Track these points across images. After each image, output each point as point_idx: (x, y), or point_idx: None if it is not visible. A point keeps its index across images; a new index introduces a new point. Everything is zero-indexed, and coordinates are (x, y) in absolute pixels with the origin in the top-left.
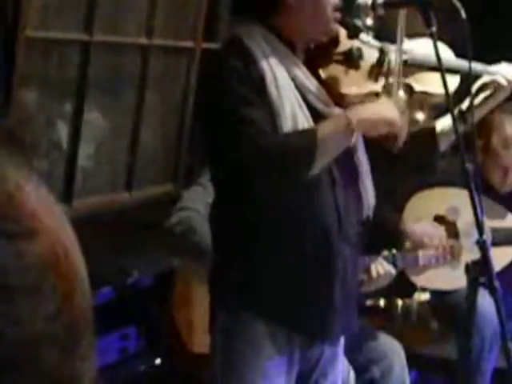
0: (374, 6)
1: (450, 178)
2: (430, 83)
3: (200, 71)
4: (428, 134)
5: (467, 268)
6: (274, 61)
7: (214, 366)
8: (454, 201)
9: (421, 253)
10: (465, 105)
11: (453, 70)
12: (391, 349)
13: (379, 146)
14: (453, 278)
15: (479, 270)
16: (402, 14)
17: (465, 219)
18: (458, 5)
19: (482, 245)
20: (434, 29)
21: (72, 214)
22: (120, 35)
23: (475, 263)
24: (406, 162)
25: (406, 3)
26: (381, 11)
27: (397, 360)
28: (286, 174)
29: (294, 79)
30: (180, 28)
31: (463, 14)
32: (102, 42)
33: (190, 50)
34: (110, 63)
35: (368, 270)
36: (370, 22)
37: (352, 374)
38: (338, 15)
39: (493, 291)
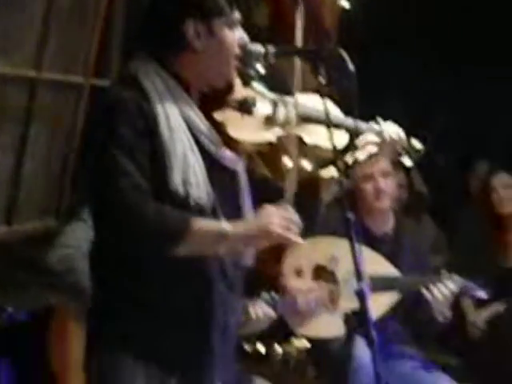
0: (266, 54)
1: (329, 228)
2: (319, 137)
3: (88, 108)
4: (313, 184)
5: (346, 318)
6: (167, 100)
7: None
8: (334, 250)
9: (300, 297)
10: (350, 159)
11: (341, 126)
12: None
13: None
14: (331, 326)
15: (357, 320)
16: (297, 66)
17: (344, 268)
18: (346, 57)
19: (360, 294)
20: (322, 80)
21: None
22: (7, 66)
23: (354, 313)
24: None
25: (296, 53)
26: (272, 60)
27: None
28: (147, 242)
29: (186, 120)
30: (70, 63)
31: (351, 67)
32: None
33: (79, 86)
34: None
35: (246, 312)
36: (261, 70)
37: None
38: (236, 63)
39: (370, 342)
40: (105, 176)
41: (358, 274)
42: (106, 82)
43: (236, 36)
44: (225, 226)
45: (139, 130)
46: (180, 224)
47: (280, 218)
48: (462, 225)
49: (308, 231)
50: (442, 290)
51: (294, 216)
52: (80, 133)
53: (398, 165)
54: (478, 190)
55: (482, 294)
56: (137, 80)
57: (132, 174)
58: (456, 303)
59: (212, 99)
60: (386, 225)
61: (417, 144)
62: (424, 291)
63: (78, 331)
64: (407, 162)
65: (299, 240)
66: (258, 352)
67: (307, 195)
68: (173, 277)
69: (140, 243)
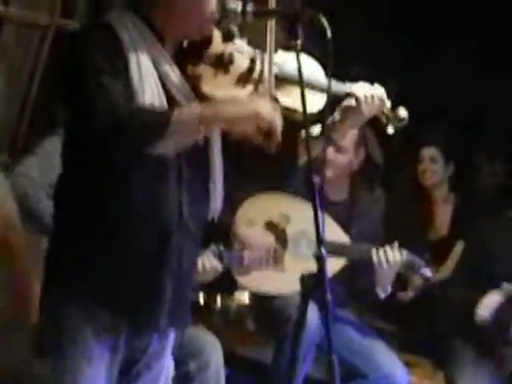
0: (243, 12)
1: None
2: (295, 99)
3: (52, 47)
4: (290, 146)
5: (302, 279)
6: (140, 48)
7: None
8: (287, 208)
9: (246, 252)
10: (329, 121)
11: (318, 88)
12: (210, 345)
13: (252, 147)
14: (275, 283)
15: (313, 283)
16: (271, 23)
17: (295, 228)
18: (325, 23)
19: (319, 258)
20: (298, 42)
21: None
22: None
23: (311, 275)
24: (265, 170)
25: (275, 13)
26: (250, 18)
27: (214, 356)
28: (133, 140)
29: (157, 69)
30: (38, 1)
31: (329, 33)
32: None
33: (44, 26)
34: None
35: None
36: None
37: (171, 368)
38: (215, 17)
39: (324, 305)
40: (81, 94)
41: (319, 239)
42: (71, 23)
43: None
44: (208, 107)
45: (113, 64)
46: (161, 118)
47: (269, 106)
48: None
49: (278, 188)
50: (389, 259)
51: (279, 111)
52: (41, 73)
53: (370, 133)
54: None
55: (427, 272)
56: (111, 25)
57: (108, 86)
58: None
59: (189, 53)
60: (341, 191)
61: (402, 111)
62: (373, 257)
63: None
64: (390, 129)
65: (278, 135)
66: (198, 302)
67: (285, 154)
68: (131, 217)
69: (130, 141)
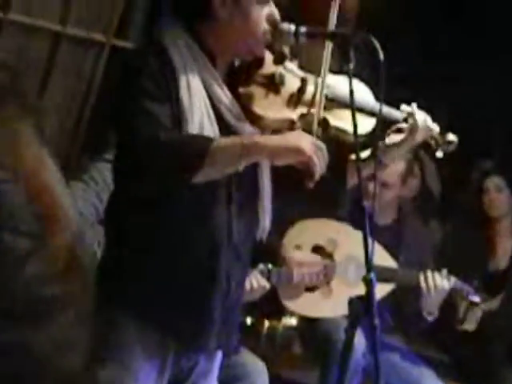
0: (296, 33)
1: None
2: (346, 121)
3: (106, 67)
4: (340, 169)
5: (350, 302)
6: (190, 68)
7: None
8: (334, 234)
9: (295, 270)
10: (380, 144)
11: (369, 112)
12: (255, 368)
13: (295, 179)
14: (322, 307)
15: (361, 306)
16: (329, 46)
17: (343, 253)
18: (377, 45)
19: (368, 282)
20: (350, 66)
21: None
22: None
23: (358, 298)
24: (314, 194)
25: (327, 36)
26: (302, 40)
27: (260, 381)
28: (171, 168)
29: (208, 90)
30: (94, 21)
31: (381, 56)
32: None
33: (100, 44)
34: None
35: None
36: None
37: None
38: (267, 38)
39: (373, 329)
40: (128, 117)
41: (368, 263)
42: (126, 44)
43: (264, 11)
44: (249, 138)
45: (161, 88)
46: (200, 147)
47: (312, 143)
48: (455, 223)
49: (328, 211)
50: (437, 285)
51: (324, 150)
52: (96, 92)
53: (429, 162)
54: (473, 189)
55: (475, 298)
56: (162, 45)
57: (156, 115)
58: (447, 300)
59: (240, 73)
60: (388, 216)
61: (450, 135)
62: (421, 281)
63: None
64: (439, 153)
65: (318, 172)
66: (245, 324)
67: (333, 177)
68: (181, 237)
69: (169, 170)
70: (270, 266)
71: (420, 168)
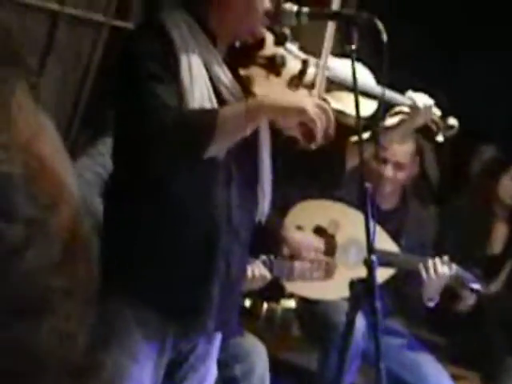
0: (298, 13)
1: (336, 193)
2: (346, 103)
3: (106, 47)
4: (339, 150)
5: (352, 284)
6: (191, 49)
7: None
8: (336, 215)
9: (297, 263)
10: (379, 127)
11: (370, 95)
12: (255, 349)
13: (294, 147)
14: (322, 289)
15: (362, 289)
16: (331, 28)
17: (345, 235)
18: (381, 27)
19: (370, 264)
20: (353, 47)
21: None
22: None
23: (360, 281)
24: (314, 175)
25: (330, 16)
26: (304, 21)
27: (260, 362)
28: (183, 148)
29: (209, 70)
30: (92, 1)
31: (384, 38)
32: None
33: (99, 24)
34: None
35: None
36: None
37: (215, 371)
38: (267, 20)
39: (373, 312)
40: (135, 103)
41: (369, 245)
42: (126, 24)
43: None
44: (253, 100)
45: (163, 68)
46: (209, 121)
47: (315, 104)
48: (455, 209)
49: (327, 194)
50: (438, 271)
51: (328, 111)
52: (96, 71)
53: (427, 147)
54: (479, 175)
55: (476, 286)
56: (164, 26)
57: (160, 95)
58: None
59: (240, 54)
60: (391, 201)
61: (451, 120)
62: (421, 268)
63: None
64: (439, 137)
65: (320, 133)
66: (244, 307)
67: (333, 159)
68: (180, 218)
69: (180, 149)
70: (272, 257)
71: (419, 154)
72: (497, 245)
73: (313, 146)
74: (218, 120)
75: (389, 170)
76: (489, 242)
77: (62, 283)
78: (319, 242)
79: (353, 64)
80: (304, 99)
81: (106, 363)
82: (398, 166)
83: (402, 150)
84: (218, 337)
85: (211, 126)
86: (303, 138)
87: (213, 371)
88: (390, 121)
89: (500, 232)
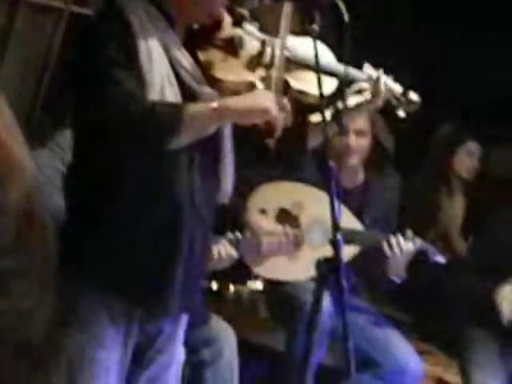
0: None
1: (298, 174)
2: (307, 82)
3: (66, 33)
4: (300, 131)
5: (318, 264)
6: (150, 33)
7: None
8: (299, 196)
9: (264, 240)
10: (341, 106)
11: (330, 73)
12: (223, 333)
13: (254, 139)
14: (288, 270)
15: (329, 268)
16: (288, 7)
17: (309, 215)
18: (342, 6)
19: (335, 243)
20: (315, 27)
21: None
22: None
23: (326, 260)
24: (275, 157)
25: None
26: (267, 1)
27: (228, 345)
28: (147, 139)
29: (168, 54)
30: None
31: (346, 17)
32: None
33: (58, 10)
34: None
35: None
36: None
37: (182, 353)
38: (226, 1)
39: (340, 290)
40: (97, 90)
41: (335, 225)
42: (86, 10)
43: None
44: (218, 102)
45: (123, 53)
46: (175, 115)
47: (276, 102)
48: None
49: (289, 175)
50: (402, 248)
51: (288, 107)
52: (55, 58)
53: (378, 117)
54: (437, 149)
55: (440, 259)
56: (122, 11)
57: (122, 81)
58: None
59: (198, 37)
60: (355, 178)
61: (412, 95)
62: (384, 245)
63: None
64: (401, 113)
65: (279, 128)
66: (210, 289)
67: (294, 140)
68: (142, 201)
69: (144, 140)
70: (238, 235)
71: (372, 125)
72: (453, 217)
73: (272, 142)
74: (183, 117)
75: (352, 139)
76: (445, 215)
77: (15, 263)
78: (283, 231)
79: (315, 45)
80: (265, 98)
81: (67, 347)
82: (360, 132)
83: (360, 116)
84: (184, 318)
85: (176, 123)
86: (263, 131)
87: (180, 352)
88: (353, 100)
89: (457, 205)
